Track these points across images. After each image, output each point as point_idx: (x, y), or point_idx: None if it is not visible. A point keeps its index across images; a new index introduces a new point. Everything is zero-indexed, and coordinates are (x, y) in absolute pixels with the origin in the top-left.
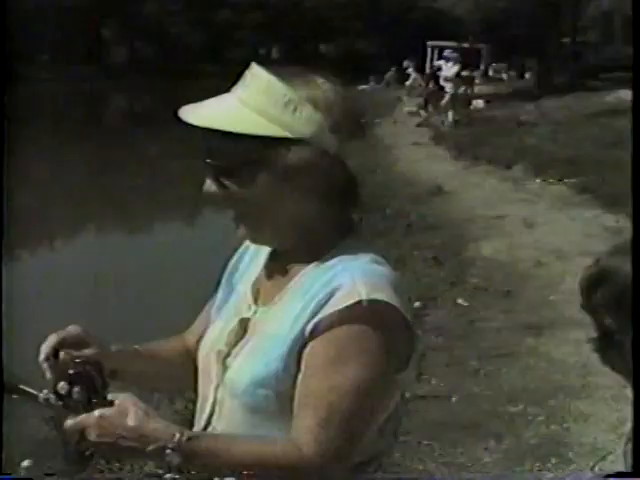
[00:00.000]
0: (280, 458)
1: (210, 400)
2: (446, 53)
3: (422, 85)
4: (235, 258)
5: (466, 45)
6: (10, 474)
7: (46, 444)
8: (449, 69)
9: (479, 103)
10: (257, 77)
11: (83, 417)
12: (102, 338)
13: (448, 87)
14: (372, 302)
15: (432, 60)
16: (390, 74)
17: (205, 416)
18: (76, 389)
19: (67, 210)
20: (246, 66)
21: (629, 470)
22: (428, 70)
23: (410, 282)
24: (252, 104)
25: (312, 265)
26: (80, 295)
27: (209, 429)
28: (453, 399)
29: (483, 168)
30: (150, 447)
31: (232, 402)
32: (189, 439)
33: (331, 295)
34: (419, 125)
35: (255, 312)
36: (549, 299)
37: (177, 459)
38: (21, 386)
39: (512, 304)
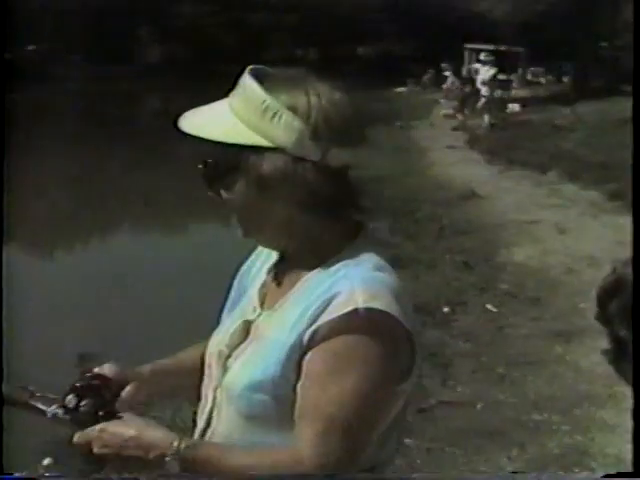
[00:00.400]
0: (277, 468)
1: (210, 401)
2: (482, 56)
3: (459, 88)
4: (248, 261)
5: (503, 48)
6: (11, 474)
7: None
8: (486, 72)
9: (515, 107)
10: (241, 82)
11: (87, 431)
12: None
13: (484, 90)
14: (369, 311)
15: (469, 63)
16: (427, 77)
17: (205, 417)
18: (84, 402)
19: (101, 210)
20: (282, 67)
21: None
22: (465, 73)
23: (439, 287)
24: (237, 111)
25: (315, 271)
26: (112, 296)
27: (208, 431)
28: (478, 406)
29: (517, 172)
30: (150, 455)
31: (229, 405)
32: (187, 447)
33: (329, 302)
34: (455, 128)
35: (259, 315)
36: (579, 307)
37: (176, 467)
38: (31, 402)
39: (541, 311)
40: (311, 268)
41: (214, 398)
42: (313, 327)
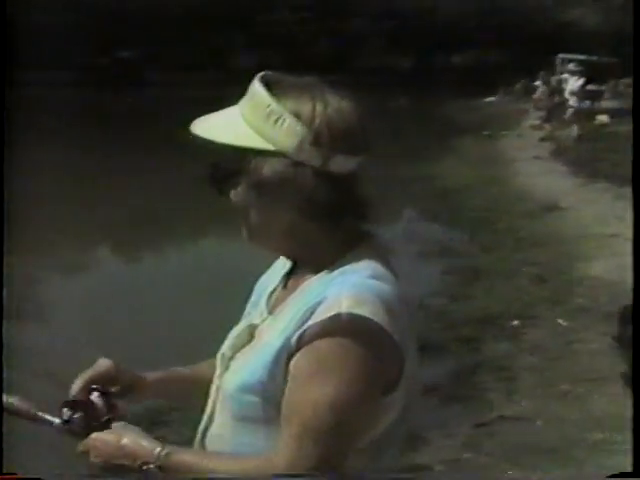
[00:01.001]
0: (250, 473)
1: (211, 402)
2: (572, 66)
3: (547, 98)
4: (269, 269)
5: (595, 58)
6: (14, 474)
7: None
8: (574, 82)
9: (603, 118)
10: (251, 87)
11: (85, 440)
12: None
13: (572, 100)
14: (352, 316)
15: (560, 73)
16: (518, 86)
17: (206, 417)
18: (76, 415)
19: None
20: (375, 75)
21: None
22: (554, 83)
23: (511, 299)
24: (245, 115)
25: (316, 276)
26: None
27: (208, 432)
28: (538, 422)
29: (601, 185)
30: (136, 463)
31: (223, 406)
32: (167, 454)
33: (316, 308)
34: (543, 139)
35: (264, 320)
36: None
37: (158, 473)
38: (39, 413)
39: (613, 326)
40: (313, 274)
41: (214, 399)
42: (299, 331)
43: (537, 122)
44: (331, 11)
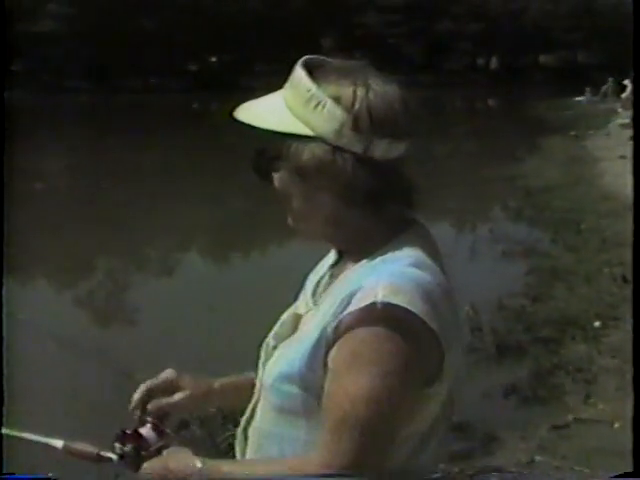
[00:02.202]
0: (290, 475)
1: (256, 391)
2: None
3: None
4: (323, 259)
5: None
6: (14, 473)
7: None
8: None
9: None
10: (293, 72)
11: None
12: (201, 377)
13: None
14: (387, 305)
15: None
16: (607, 86)
17: (250, 408)
18: (127, 447)
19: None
20: (463, 75)
21: None
22: None
23: (593, 300)
24: (287, 100)
25: (358, 264)
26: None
27: (250, 424)
28: (616, 425)
29: None
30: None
31: (264, 397)
32: (207, 469)
33: (352, 296)
34: (632, 138)
35: (309, 310)
36: None
37: None
38: (101, 453)
39: None
40: (356, 262)
41: (259, 389)
42: (336, 320)
43: (627, 121)
44: (419, 13)
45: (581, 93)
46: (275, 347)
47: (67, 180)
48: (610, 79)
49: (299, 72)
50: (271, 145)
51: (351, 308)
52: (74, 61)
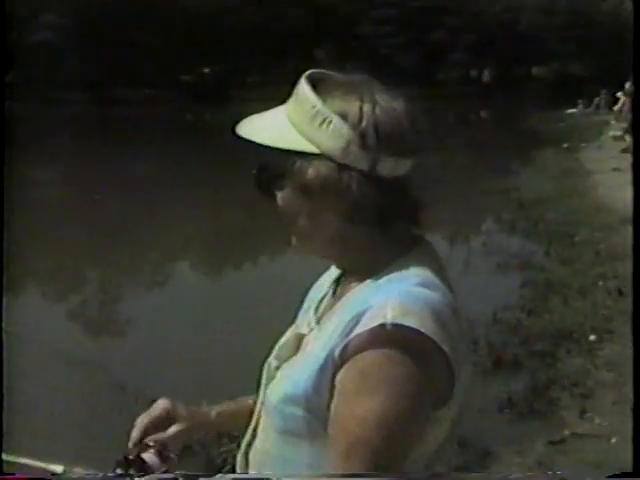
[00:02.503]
0: None
1: (256, 413)
2: None
3: (630, 109)
4: (323, 276)
5: None
6: (14, 473)
7: None
8: None
9: None
10: (297, 87)
11: None
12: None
13: None
14: (397, 327)
15: None
16: (599, 98)
17: (250, 430)
18: (130, 472)
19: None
20: (456, 87)
21: None
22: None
23: (588, 313)
24: (290, 116)
25: (363, 284)
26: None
27: (251, 446)
28: (613, 440)
29: None
30: None
31: (266, 419)
32: None
33: (361, 316)
34: (624, 150)
35: (311, 330)
36: None
37: None
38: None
39: None
40: (361, 281)
41: (259, 411)
42: (344, 342)
43: (619, 133)
44: (413, 25)
45: (574, 105)
46: (278, 368)
47: (60, 191)
48: (603, 91)
49: (304, 87)
50: (274, 162)
51: (359, 329)
52: (67, 72)
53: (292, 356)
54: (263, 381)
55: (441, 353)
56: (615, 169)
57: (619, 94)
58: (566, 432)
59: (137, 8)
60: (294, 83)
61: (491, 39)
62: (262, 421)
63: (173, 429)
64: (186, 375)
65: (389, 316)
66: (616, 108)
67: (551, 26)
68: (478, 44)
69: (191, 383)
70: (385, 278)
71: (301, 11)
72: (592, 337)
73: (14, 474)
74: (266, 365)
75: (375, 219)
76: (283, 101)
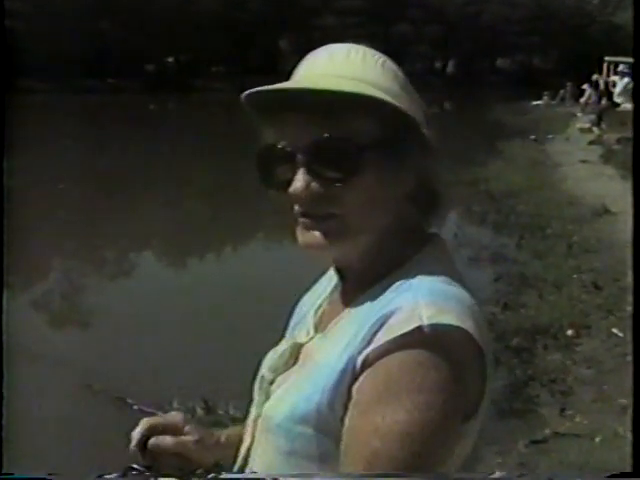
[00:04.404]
0: None
1: (249, 434)
2: (621, 68)
3: (596, 101)
4: (313, 286)
5: None
6: (13, 474)
7: None
8: (623, 85)
9: None
10: (363, 56)
11: None
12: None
13: (622, 104)
14: (437, 327)
15: (608, 76)
16: (565, 90)
17: (243, 453)
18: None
19: (235, 220)
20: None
21: None
22: (602, 86)
23: (564, 308)
24: (369, 80)
25: (378, 285)
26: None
27: (247, 468)
28: (596, 439)
29: None
30: None
31: (267, 439)
32: None
33: (386, 319)
34: (591, 142)
35: (311, 338)
36: None
37: None
38: None
39: None
40: (372, 282)
41: (253, 431)
42: (368, 349)
43: (586, 125)
44: (376, 16)
45: (539, 97)
46: (272, 382)
47: (23, 181)
48: (568, 83)
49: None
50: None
51: (389, 334)
52: (29, 61)
53: (288, 368)
54: (257, 397)
55: (480, 355)
56: (583, 161)
57: (585, 86)
58: (547, 431)
59: None
60: (260, 73)
61: (455, 31)
62: (261, 443)
63: (185, 438)
64: (152, 368)
65: (424, 316)
66: (582, 100)
67: (515, 18)
68: (442, 36)
69: (157, 375)
70: (403, 277)
71: (265, 1)
72: (569, 332)
73: (13, 474)
74: (257, 380)
75: (415, 203)
76: (250, 88)
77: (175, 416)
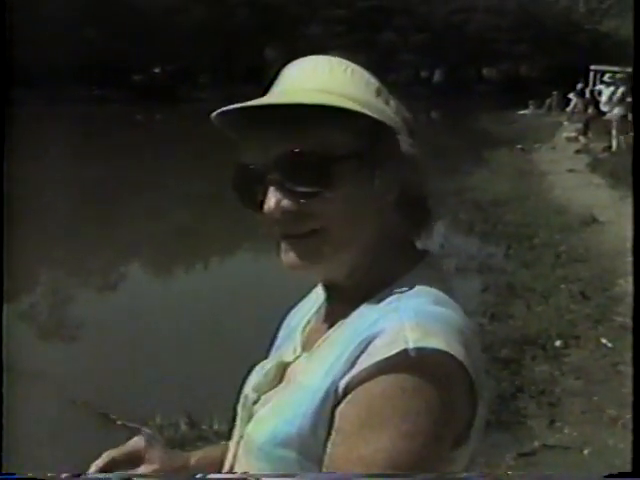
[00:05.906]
0: None
1: (231, 456)
2: (607, 77)
3: (582, 110)
4: (300, 303)
5: (630, 70)
6: (13, 474)
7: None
8: (610, 94)
9: None
10: (330, 67)
11: None
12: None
13: (608, 112)
14: (422, 351)
15: (594, 85)
16: (551, 99)
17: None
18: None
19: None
20: (406, 88)
21: None
22: (589, 95)
23: (552, 318)
24: (337, 90)
25: (364, 304)
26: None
27: None
28: (585, 451)
29: None
30: None
31: (247, 461)
32: None
33: (371, 341)
34: (578, 151)
35: (297, 357)
36: None
37: None
38: None
39: None
40: (359, 301)
41: (235, 452)
42: (351, 372)
43: (573, 134)
44: (362, 25)
45: (525, 106)
46: (256, 401)
47: (8, 191)
48: (554, 92)
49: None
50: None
51: (372, 358)
52: (15, 70)
53: (274, 387)
54: (239, 417)
55: (467, 381)
56: (570, 170)
57: (571, 95)
58: (536, 443)
59: (87, 6)
60: (248, 83)
61: (441, 40)
62: (242, 465)
63: (142, 469)
64: (135, 382)
65: (410, 339)
66: (568, 109)
67: (501, 27)
68: (428, 45)
69: (137, 386)
70: (393, 297)
71: (251, 11)
72: (558, 343)
73: (14, 474)
74: (242, 398)
75: (406, 217)
76: (232, 101)
77: (137, 443)
